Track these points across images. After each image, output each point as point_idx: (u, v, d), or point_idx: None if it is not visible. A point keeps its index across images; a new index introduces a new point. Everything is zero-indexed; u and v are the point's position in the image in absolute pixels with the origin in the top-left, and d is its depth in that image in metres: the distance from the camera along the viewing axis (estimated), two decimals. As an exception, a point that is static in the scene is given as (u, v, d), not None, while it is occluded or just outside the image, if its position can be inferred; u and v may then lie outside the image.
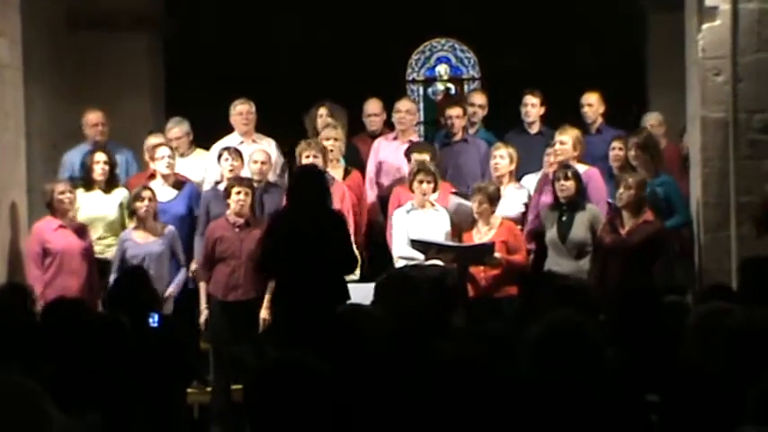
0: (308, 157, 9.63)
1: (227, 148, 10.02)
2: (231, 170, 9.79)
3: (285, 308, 8.42)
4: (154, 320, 6.96)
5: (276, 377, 3.48)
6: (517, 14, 15.24)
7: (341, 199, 9.38)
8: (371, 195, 10.32)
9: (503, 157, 9.89)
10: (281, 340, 8.28)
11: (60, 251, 9.29)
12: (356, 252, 8.87)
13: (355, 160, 10.47)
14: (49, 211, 9.45)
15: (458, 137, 10.62)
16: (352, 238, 9.07)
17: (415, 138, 10.73)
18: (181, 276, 9.54)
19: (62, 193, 9.39)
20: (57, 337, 5.51)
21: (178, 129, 10.58)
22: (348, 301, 7.55)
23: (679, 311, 5.75)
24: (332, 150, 9.93)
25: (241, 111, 10.52)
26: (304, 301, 7.96)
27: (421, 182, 9.50)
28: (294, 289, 8.33)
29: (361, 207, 9.99)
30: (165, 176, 9.93)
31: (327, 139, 10.00)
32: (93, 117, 10.61)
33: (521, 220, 9.83)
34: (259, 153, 10.09)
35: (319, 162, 9.52)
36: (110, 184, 9.93)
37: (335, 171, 9.77)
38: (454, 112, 10.77)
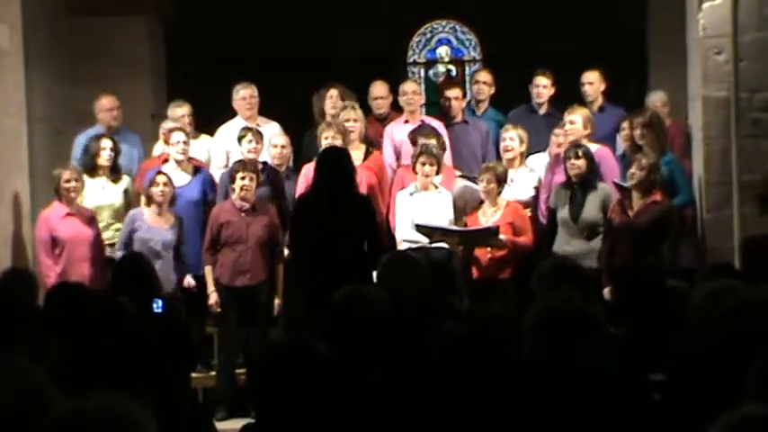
0: (326, 138, 9.59)
1: (249, 129, 9.92)
2: (253, 151, 9.73)
3: (309, 293, 8.36)
4: (158, 306, 6.98)
5: (278, 359, 3.49)
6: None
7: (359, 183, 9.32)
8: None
9: (513, 139, 9.84)
10: (296, 326, 8.27)
11: (69, 239, 9.26)
12: (383, 236, 8.84)
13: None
14: (54, 197, 9.44)
15: (457, 119, 10.59)
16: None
17: (425, 118, 10.69)
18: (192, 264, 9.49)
19: (68, 181, 9.34)
20: (60, 322, 5.53)
21: (180, 111, 10.57)
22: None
23: (682, 294, 5.76)
24: (352, 131, 9.91)
25: (244, 95, 10.50)
26: (330, 287, 7.93)
27: (423, 164, 9.48)
28: (318, 274, 8.28)
29: (382, 188, 9.89)
30: (178, 162, 9.90)
31: (347, 120, 9.97)
32: (106, 102, 10.59)
33: (532, 203, 9.80)
34: (279, 137, 10.08)
35: (339, 143, 9.48)
36: (114, 170, 9.92)
37: (356, 152, 9.65)
38: (452, 93, 10.74)
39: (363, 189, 9.35)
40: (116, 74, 11.70)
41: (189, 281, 9.44)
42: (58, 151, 10.68)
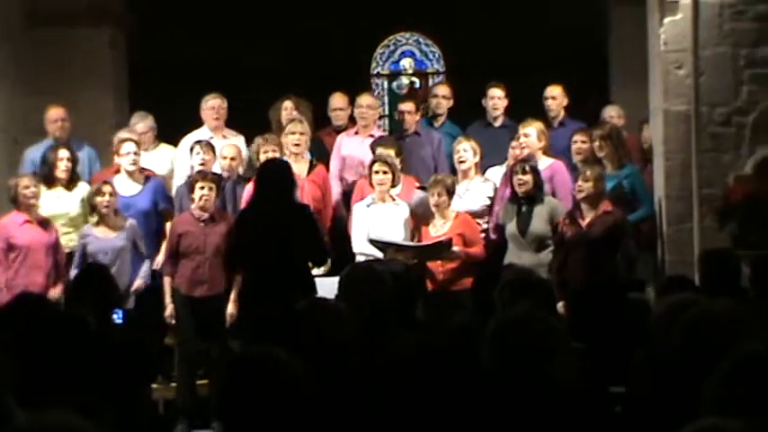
0: (266, 152, 9.66)
1: (198, 142, 10.00)
2: (202, 164, 9.76)
3: (252, 303, 8.42)
4: (118, 317, 6.95)
5: (246, 371, 3.48)
6: (481, 8, 15.27)
7: (300, 195, 9.36)
8: (336, 191, 10.30)
9: (466, 151, 9.90)
10: (247, 336, 8.30)
11: (26, 246, 9.23)
12: (326, 245, 8.89)
13: (321, 154, 10.46)
14: (13, 207, 9.38)
15: (410, 131, 10.62)
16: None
17: (377, 132, 10.74)
18: (145, 268, 9.46)
19: (27, 187, 9.31)
20: (19, 334, 5.48)
21: (143, 123, 10.56)
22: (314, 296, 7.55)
23: (641, 307, 5.79)
24: (297, 144, 9.92)
25: (213, 105, 10.52)
26: (271, 296, 7.94)
27: (377, 172, 9.50)
28: (262, 284, 8.32)
29: (326, 201, 9.96)
30: (129, 172, 9.88)
31: (293, 133, 9.99)
32: (54, 113, 10.52)
33: (486, 213, 9.84)
34: (228, 148, 10.10)
35: (277, 156, 9.52)
36: (71, 180, 9.88)
37: (300, 165, 9.74)
38: (405, 107, 10.81)
39: (307, 202, 9.39)
40: (78, 85, 11.65)
41: (138, 284, 9.38)
42: (16, 162, 10.60)
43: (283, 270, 8.31)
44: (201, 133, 10.43)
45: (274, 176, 8.72)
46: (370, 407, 4.00)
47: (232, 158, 10.03)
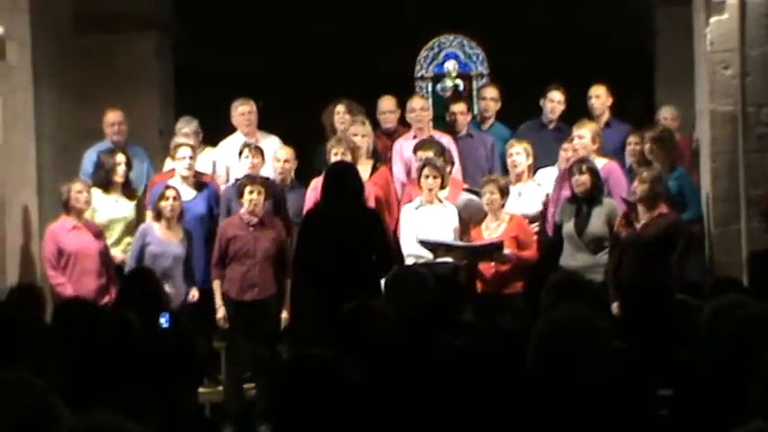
0: (336, 154, 9.61)
1: (248, 145, 10.02)
2: (252, 167, 9.78)
3: (313, 305, 8.39)
4: (165, 320, 6.97)
5: (300, 375, 3.49)
6: (525, 10, 15.23)
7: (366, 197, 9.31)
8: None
9: (519, 154, 9.86)
10: (307, 339, 8.25)
11: (75, 252, 9.25)
12: (391, 249, 8.87)
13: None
14: (63, 212, 9.44)
15: (462, 133, 10.61)
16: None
17: (434, 133, 10.70)
18: (197, 277, 9.46)
19: (79, 192, 9.35)
20: (68, 338, 5.53)
21: (188, 128, 10.62)
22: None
23: (690, 308, 5.75)
24: (360, 146, 9.93)
25: (243, 111, 10.57)
26: (334, 298, 7.92)
27: (427, 177, 9.49)
28: (325, 286, 8.30)
29: (389, 204, 9.89)
30: (184, 177, 9.93)
31: (355, 134, 9.99)
32: (111, 116, 10.62)
33: (539, 217, 9.81)
34: (282, 151, 10.13)
35: (348, 158, 9.51)
36: (127, 185, 9.95)
37: (363, 167, 9.66)
38: (457, 108, 10.78)
39: (371, 204, 9.36)
40: (124, 90, 11.73)
41: (194, 293, 9.42)
42: (65, 168, 10.69)
43: (348, 273, 8.29)
44: (235, 139, 10.50)
45: (341, 179, 8.71)
46: (416, 408, 4.00)
47: (286, 161, 10.05)
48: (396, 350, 4.74)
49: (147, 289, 7.20)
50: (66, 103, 11.43)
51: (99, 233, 9.47)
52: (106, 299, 9.10)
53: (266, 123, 10.85)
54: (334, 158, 9.54)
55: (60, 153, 11.09)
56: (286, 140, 10.61)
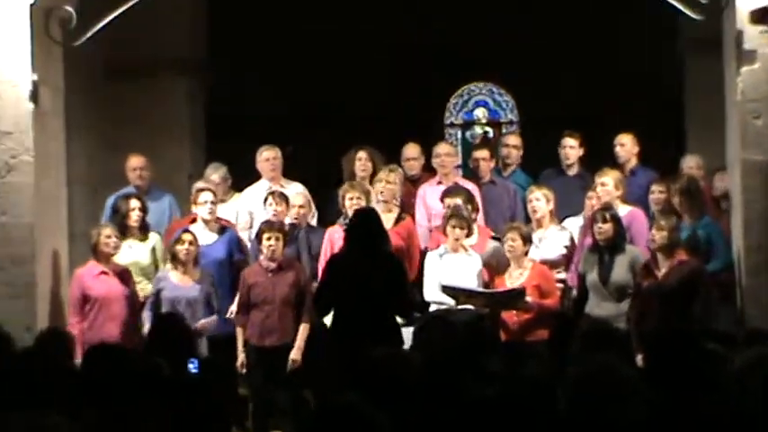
0: (351, 198, 9.72)
1: (272, 192, 10.10)
2: (275, 214, 9.85)
3: (334, 351, 8.43)
4: (194, 366, 6.97)
5: (332, 423, 3.48)
6: (555, 57, 15.26)
7: None
8: (425, 241, 10.20)
9: (539, 199, 9.88)
10: (328, 384, 8.28)
11: (101, 297, 9.31)
12: (412, 298, 8.89)
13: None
14: (92, 256, 9.50)
15: (485, 179, 10.62)
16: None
17: (459, 180, 10.72)
18: (213, 317, 9.43)
19: (108, 237, 9.44)
20: (97, 383, 5.53)
21: (217, 174, 10.70)
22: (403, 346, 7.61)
23: (718, 359, 5.70)
24: (382, 192, 9.96)
25: (267, 157, 10.65)
26: (354, 344, 7.94)
27: (454, 227, 9.51)
28: (345, 332, 8.34)
29: (410, 254, 9.91)
30: (205, 221, 9.98)
31: (380, 181, 10.06)
32: (133, 162, 10.73)
33: (562, 262, 9.79)
34: (297, 197, 10.20)
35: (363, 203, 9.59)
36: (142, 229, 10.00)
37: (387, 216, 9.74)
38: (480, 154, 10.82)
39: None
40: (155, 135, 11.83)
41: (203, 324, 9.34)
42: (96, 212, 10.75)
43: (367, 319, 8.32)
44: (260, 185, 10.55)
45: (364, 226, 8.76)
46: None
47: (300, 206, 10.12)
48: (424, 397, 4.72)
49: (176, 334, 7.21)
50: (97, 147, 11.53)
51: (127, 278, 9.52)
52: (129, 344, 9.10)
53: (295, 167, 10.88)
54: (348, 203, 9.69)
55: (91, 197, 11.15)
56: (316, 184, 10.64)
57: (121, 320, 9.34)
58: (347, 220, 9.47)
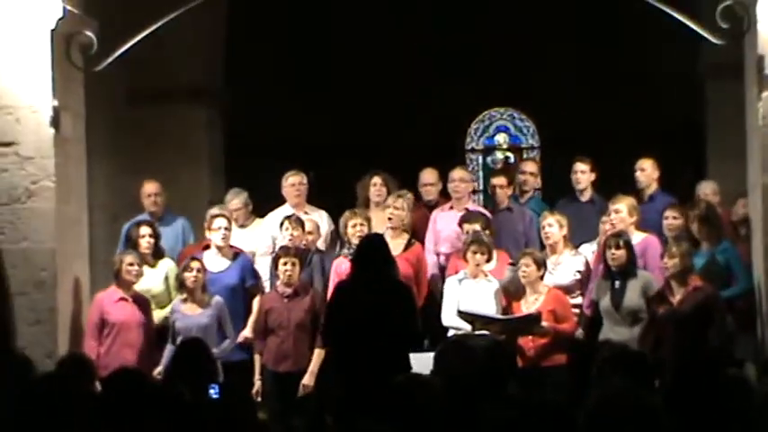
0: (354, 225, 9.75)
1: (288, 217, 10.10)
2: (290, 239, 9.86)
3: (343, 378, 8.41)
4: (215, 391, 6.97)
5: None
6: (576, 83, 15.28)
7: None
8: (432, 264, 10.28)
9: (551, 225, 9.87)
10: (338, 410, 8.26)
11: (119, 323, 9.37)
12: (419, 326, 8.86)
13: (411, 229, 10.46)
14: (114, 281, 9.53)
15: (502, 206, 10.62)
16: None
17: (471, 206, 10.72)
18: (226, 344, 9.47)
19: (131, 264, 9.50)
20: (118, 409, 5.54)
21: (237, 200, 10.71)
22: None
23: (739, 384, 5.67)
24: (390, 218, 9.96)
25: (293, 182, 10.64)
26: (365, 372, 7.92)
27: (474, 252, 9.52)
28: (352, 360, 8.31)
29: (419, 280, 9.90)
30: (219, 248, 9.99)
31: (388, 206, 10.07)
32: (148, 188, 10.77)
33: (577, 287, 9.79)
34: (308, 223, 10.20)
35: (366, 230, 9.61)
36: (155, 256, 10.03)
37: (396, 242, 9.74)
38: (497, 181, 10.81)
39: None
40: (175, 161, 11.87)
41: (223, 348, 9.36)
42: (115, 238, 10.78)
43: (375, 348, 8.28)
44: (284, 210, 10.55)
45: (371, 253, 8.73)
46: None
47: (309, 233, 10.12)
48: (444, 422, 4.72)
49: (196, 360, 7.22)
50: (118, 173, 11.58)
51: (145, 306, 9.56)
52: (144, 371, 9.11)
53: (317, 193, 10.89)
54: (351, 230, 9.74)
55: (112, 223, 11.19)
56: (337, 209, 10.64)
57: (138, 347, 9.39)
58: (351, 249, 9.46)
